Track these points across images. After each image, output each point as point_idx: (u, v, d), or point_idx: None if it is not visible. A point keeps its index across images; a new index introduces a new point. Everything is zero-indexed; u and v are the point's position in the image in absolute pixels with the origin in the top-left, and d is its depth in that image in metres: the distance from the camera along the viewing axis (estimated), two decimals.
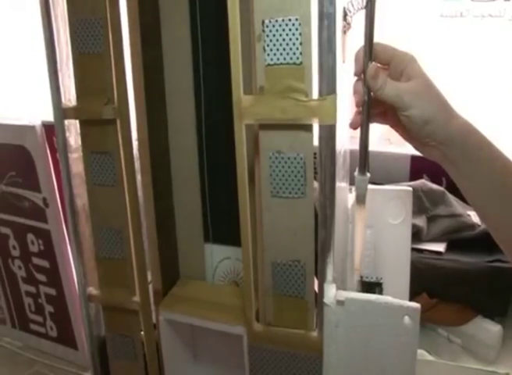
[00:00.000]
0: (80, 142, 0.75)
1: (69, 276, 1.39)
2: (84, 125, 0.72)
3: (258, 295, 0.67)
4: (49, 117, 0.81)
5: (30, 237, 1.43)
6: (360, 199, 0.64)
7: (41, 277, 1.44)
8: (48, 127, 1.35)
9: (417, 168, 1.11)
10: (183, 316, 0.76)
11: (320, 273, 0.62)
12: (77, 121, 0.73)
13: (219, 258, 0.81)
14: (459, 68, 1.12)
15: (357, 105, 0.60)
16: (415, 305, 0.57)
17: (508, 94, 1.09)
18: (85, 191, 0.76)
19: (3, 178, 1.43)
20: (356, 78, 0.61)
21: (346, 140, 0.75)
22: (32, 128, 1.35)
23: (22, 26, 1.47)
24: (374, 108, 0.61)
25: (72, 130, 0.74)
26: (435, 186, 1.07)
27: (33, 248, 1.44)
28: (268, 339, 0.66)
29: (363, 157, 0.63)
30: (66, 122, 0.73)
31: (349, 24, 0.68)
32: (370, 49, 0.59)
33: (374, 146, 0.79)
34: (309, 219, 0.62)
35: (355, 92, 0.61)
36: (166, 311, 0.77)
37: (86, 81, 0.71)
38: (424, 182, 1.07)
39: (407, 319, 0.56)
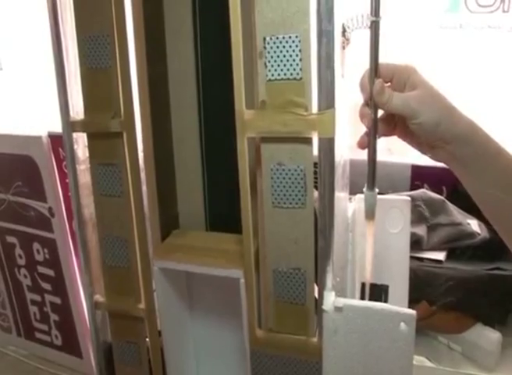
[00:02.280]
0: (87, 154, 0.78)
1: (73, 285, 1.42)
2: (92, 138, 0.76)
3: (260, 302, 0.70)
4: (55, 128, 0.84)
5: (36, 246, 1.46)
6: (369, 214, 0.67)
7: (46, 286, 1.47)
8: (54, 138, 1.38)
9: (418, 177, 1.14)
10: (177, 264, 0.76)
11: (320, 281, 0.65)
12: (85, 134, 0.77)
13: None
14: (459, 78, 1.15)
15: (368, 127, 0.63)
16: (411, 311, 0.59)
17: (508, 102, 1.12)
18: (92, 201, 0.79)
19: (10, 188, 1.47)
20: (361, 103, 0.64)
21: (346, 150, 0.78)
22: (38, 139, 1.38)
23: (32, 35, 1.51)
24: (384, 125, 0.64)
25: (80, 143, 0.78)
26: (435, 195, 1.09)
27: (39, 257, 1.47)
28: (269, 345, 0.69)
29: (371, 173, 0.66)
30: (74, 134, 0.76)
31: (348, 40, 0.71)
32: (376, 68, 0.62)
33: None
34: (309, 228, 0.65)
35: (363, 117, 0.63)
36: (160, 260, 0.77)
37: (93, 95, 0.75)
38: (424, 191, 1.10)
39: (403, 325, 0.59)
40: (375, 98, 0.61)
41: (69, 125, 0.75)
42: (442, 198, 1.09)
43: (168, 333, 0.80)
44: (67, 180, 1.37)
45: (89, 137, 0.76)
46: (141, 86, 0.73)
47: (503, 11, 1.09)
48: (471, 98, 1.13)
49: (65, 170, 1.38)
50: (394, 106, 0.60)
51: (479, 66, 1.12)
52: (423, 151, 0.66)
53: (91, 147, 0.76)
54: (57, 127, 1.34)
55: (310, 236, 0.65)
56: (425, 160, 0.67)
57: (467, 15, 1.12)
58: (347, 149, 0.79)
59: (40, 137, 1.39)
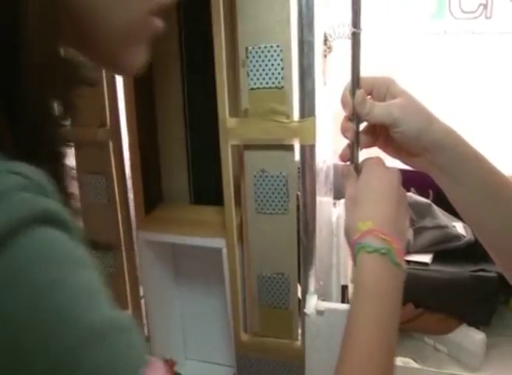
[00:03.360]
0: (74, 163, 0.79)
1: None
2: (79, 147, 0.77)
3: (246, 306, 0.72)
4: None
5: None
6: None
7: None
8: None
9: (405, 181, 1.14)
10: (162, 235, 0.77)
11: (303, 285, 0.67)
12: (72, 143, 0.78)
13: None
14: (444, 82, 1.16)
15: (350, 140, 0.64)
16: None
17: (491, 106, 1.14)
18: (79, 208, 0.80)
19: None
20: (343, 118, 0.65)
21: (329, 155, 0.80)
22: None
23: None
24: (365, 137, 0.65)
25: (68, 152, 0.79)
26: (421, 199, 1.11)
27: None
28: (254, 348, 0.70)
29: None
30: None
31: (330, 48, 0.73)
32: (357, 80, 0.63)
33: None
34: (292, 233, 0.67)
35: (345, 130, 0.64)
36: (145, 232, 0.78)
37: (80, 105, 0.76)
38: (410, 195, 1.12)
39: None
40: (358, 109, 0.62)
41: None
42: (428, 201, 1.10)
43: (153, 303, 0.81)
44: None
45: (76, 146, 0.77)
46: (127, 95, 0.75)
47: (486, 17, 1.10)
48: (456, 102, 1.15)
49: None
50: (376, 116, 0.62)
51: (463, 70, 1.14)
52: (404, 161, 0.67)
53: (78, 156, 0.77)
54: None
55: (293, 241, 0.67)
56: None
57: (451, 21, 1.14)
58: (331, 154, 0.81)
59: None
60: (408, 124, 0.60)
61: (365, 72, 0.67)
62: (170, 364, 0.80)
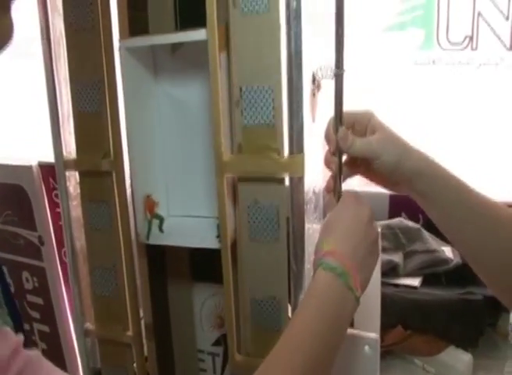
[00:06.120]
0: (78, 190, 0.87)
1: (62, 313, 1.49)
2: (83, 176, 0.85)
3: (239, 328, 0.79)
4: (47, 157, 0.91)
5: (25, 274, 1.54)
6: None
7: (35, 314, 1.54)
8: (44, 167, 1.47)
9: (396, 206, 1.23)
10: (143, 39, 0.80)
11: (293, 308, 0.74)
12: (77, 172, 0.86)
13: (206, 295, 0.93)
14: (432, 110, 1.25)
15: (333, 174, 0.71)
16: (374, 336, 0.68)
17: (478, 135, 1.22)
18: (83, 234, 0.88)
19: None
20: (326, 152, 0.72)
21: (319, 184, 0.87)
22: (29, 168, 1.47)
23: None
24: (348, 168, 0.72)
25: (72, 180, 0.87)
26: (411, 223, 1.19)
27: (28, 286, 1.54)
28: (247, 368, 0.77)
29: None
30: (67, 172, 0.85)
31: (318, 87, 0.81)
32: (340, 117, 0.71)
33: (354, 186, 0.91)
34: (283, 259, 0.74)
35: (328, 163, 0.72)
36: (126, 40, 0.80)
37: (85, 136, 0.84)
38: (401, 220, 1.19)
39: (367, 348, 0.68)
40: (340, 144, 0.70)
41: (63, 164, 0.84)
42: (418, 226, 1.18)
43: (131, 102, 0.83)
44: (57, 210, 1.46)
45: (81, 175, 0.85)
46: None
47: (472, 49, 1.20)
48: (443, 131, 1.23)
49: (55, 199, 1.47)
50: (357, 150, 0.70)
51: (450, 99, 1.22)
52: (386, 188, 0.75)
53: (83, 184, 0.85)
54: (47, 156, 1.43)
55: (283, 266, 0.74)
56: None
57: (439, 52, 1.23)
58: (321, 183, 0.88)
59: (30, 167, 1.48)
60: (387, 156, 0.68)
61: (355, 101, 0.75)
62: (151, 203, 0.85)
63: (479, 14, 1.19)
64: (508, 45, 1.18)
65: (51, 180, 1.48)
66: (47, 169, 1.47)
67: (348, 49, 0.70)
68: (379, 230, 0.93)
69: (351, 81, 0.73)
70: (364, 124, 0.72)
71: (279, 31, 0.70)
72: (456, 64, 1.23)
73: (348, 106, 0.72)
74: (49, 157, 1.43)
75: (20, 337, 0.45)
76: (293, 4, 0.69)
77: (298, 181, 0.71)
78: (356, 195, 0.69)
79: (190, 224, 0.88)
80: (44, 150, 1.42)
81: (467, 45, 1.21)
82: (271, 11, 0.70)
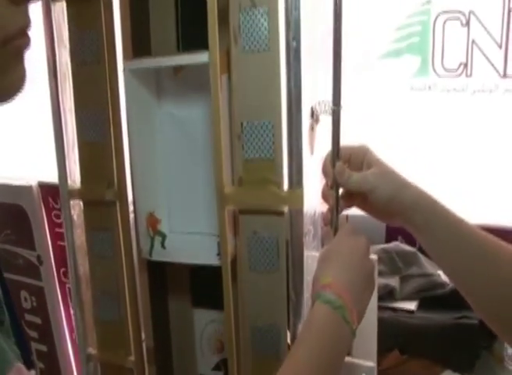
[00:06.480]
0: (82, 218, 0.90)
1: (60, 333, 1.52)
2: (87, 205, 0.88)
3: (239, 354, 0.81)
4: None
5: (24, 294, 1.57)
6: None
7: (33, 334, 1.57)
8: (44, 187, 1.51)
9: (392, 230, 1.26)
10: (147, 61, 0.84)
11: (292, 334, 0.77)
12: (81, 201, 0.89)
13: (206, 320, 0.96)
14: (428, 135, 1.29)
15: (330, 207, 0.74)
16: (371, 363, 0.71)
17: (476, 160, 1.26)
18: (86, 260, 0.91)
19: None
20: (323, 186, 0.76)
21: (317, 208, 0.89)
22: (29, 188, 1.50)
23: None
24: (344, 201, 0.75)
25: (76, 208, 0.90)
26: (407, 247, 1.22)
27: (26, 305, 1.57)
28: None
29: None
30: (71, 201, 0.89)
31: (317, 120, 0.84)
32: (337, 152, 0.74)
33: (351, 210, 0.94)
34: (282, 288, 0.77)
35: (325, 197, 0.75)
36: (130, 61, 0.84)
37: (90, 166, 0.87)
38: (397, 244, 1.23)
39: None
40: (337, 179, 0.73)
41: (67, 193, 0.87)
42: (414, 250, 1.21)
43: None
44: (57, 230, 1.49)
45: (85, 204, 0.88)
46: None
47: (467, 75, 1.24)
48: (440, 156, 1.27)
49: (55, 220, 1.50)
50: (354, 184, 0.73)
51: (447, 125, 1.26)
52: (382, 220, 0.78)
53: (87, 213, 0.88)
54: (47, 176, 1.46)
55: (283, 295, 0.77)
56: None
57: (435, 78, 1.27)
58: (320, 214, 0.92)
59: (30, 187, 1.51)
60: (382, 190, 0.72)
61: (353, 126, 0.77)
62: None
63: (473, 42, 1.23)
64: (502, 72, 1.22)
65: (50, 200, 1.51)
66: (47, 189, 1.50)
67: (346, 76, 0.74)
68: (376, 256, 0.96)
69: (349, 109, 0.76)
70: (360, 158, 0.75)
71: (279, 69, 0.73)
72: (451, 90, 1.27)
73: (346, 131, 0.75)
74: (48, 177, 1.47)
75: (32, 373, 0.48)
76: (293, 44, 0.72)
77: (297, 214, 0.74)
78: (353, 228, 0.73)
79: (191, 241, 0.90)
80: (45, 170, 1.46)
81: (462, 72, 1.25)
82: (271, 50, 0.74)
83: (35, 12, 0.44)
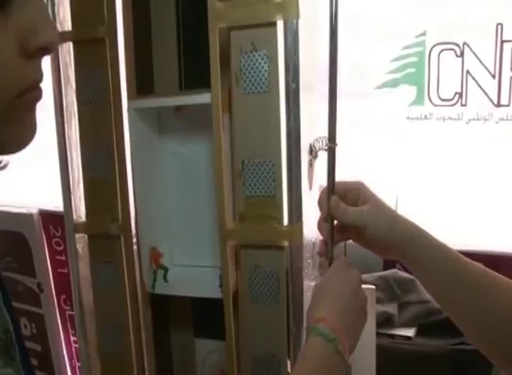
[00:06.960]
0: (87, 251, 0.94)
1: (60, 361, 1.55)
2: (92, 238, 0.92)
3: None
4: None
5: (23, 321, 1.59)
6: None
7: (33, 361, 1.59)
8: (44, 215, 1.54)
9: None
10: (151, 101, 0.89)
11: (292, 365, 0.80)
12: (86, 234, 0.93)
13: (208, 350, 1.00)
14: (423, 164, 1.33)
15: (325, 242, 0.78)
16: None
17: (473, 188, 1.30)
18: (90, 292, 0.94)
19: None
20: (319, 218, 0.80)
21: (317, 240, 0.93)
22: (30, 216, 1.54)
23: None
24: (339, 234, 0.79)
25: (81, 241, 0.94)
26: (405, 274, 1.25)
27: (26, 332, 1.59)
28: None
29: None
30: (76, 235, 0.93)
31: (315, 156, 0.89)
32: (332, 187, 0.78)
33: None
34: (282, 320, 0.81)
35: (321, 229, 0.79)
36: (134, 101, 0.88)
37: (94, 201, 0.91)
38: (395, 271, 1.26)
39: None
40: (332, 212, 0.77)
41: (73, 227, 0.91)
42: (411, 277, 1.24)
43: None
44: (57, 257, 1.53)
45: (90, 237, 0.92)
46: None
47: (461, 105, 1.29)
48: (438, 184, 1.31)
49: (56, 247, 1.53)
50: (348, 218, 0.76)
51: (441, 153, 1.31)
52: (376, 253, 0.82)
53: (92, 246, 0.92)
54: (47, 204, 1.50)
55: (283, 327, 0.81)
56: None
57: (430, 108, 1.32)
58: (318, 240, 0.95)
59: (31, 215, 1.55)
60: (377, 226, 0.75)
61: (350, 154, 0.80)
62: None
63: (468, 72, 1.28)
64: (496, 101, 1.27)
65: (51, 227, 1.55)
66: (47, 217, 1.54)
67: (343, 106, 0.78)
68: (373, 287, 1.00)
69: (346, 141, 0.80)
70: (355, 194, 0.79)
71: (279, 110, 0.78)
72: (447, 119, 1.32)
73: (343, 160, 0.78)
74: (49, 205, 1.51)
75: None
76: (293, 86, 0.77)
77: (297, 248, 0.78)
78: (346, 261, 0.76)
79: (193, 274, 0.94)
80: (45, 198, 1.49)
81: (457, 101, 1.30)
82: (271, 91, 0.78)
83: None
